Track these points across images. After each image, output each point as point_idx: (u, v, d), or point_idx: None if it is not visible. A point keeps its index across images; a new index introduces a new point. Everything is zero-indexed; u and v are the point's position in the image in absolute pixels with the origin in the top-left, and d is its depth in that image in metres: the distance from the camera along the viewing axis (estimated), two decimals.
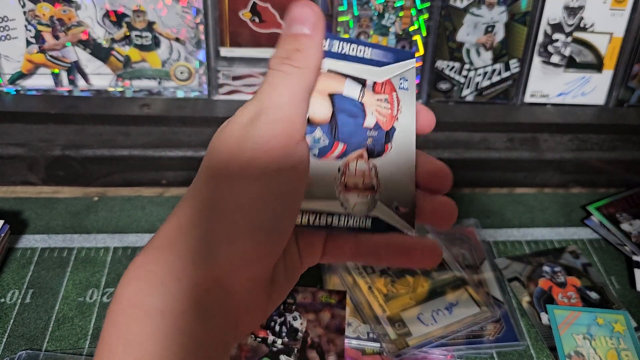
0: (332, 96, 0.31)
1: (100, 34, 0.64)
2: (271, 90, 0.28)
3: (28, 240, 0.58)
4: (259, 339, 0.47)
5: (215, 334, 0.27)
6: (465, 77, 0.69)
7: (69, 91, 0.66)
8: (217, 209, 0.27)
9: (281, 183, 0.28)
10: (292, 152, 0.28)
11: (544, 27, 0.67)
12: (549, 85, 0.70)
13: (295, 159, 0.28)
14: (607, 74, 0.70)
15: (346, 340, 0.49)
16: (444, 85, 0.69)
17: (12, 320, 0.49)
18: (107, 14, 0.63)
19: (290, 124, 0.28)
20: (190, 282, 0.26)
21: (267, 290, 0.30)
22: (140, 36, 0.64)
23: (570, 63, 0.69)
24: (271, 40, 0.65)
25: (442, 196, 0.33)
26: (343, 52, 0.31)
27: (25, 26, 0.63)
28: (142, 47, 0.65)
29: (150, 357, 0.24)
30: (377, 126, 0.32)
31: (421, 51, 0.67)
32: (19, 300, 0.51)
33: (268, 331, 0.48)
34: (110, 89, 0.67)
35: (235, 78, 0.67)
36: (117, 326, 0.25)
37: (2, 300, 0.51)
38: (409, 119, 0.32)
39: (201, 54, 0.66)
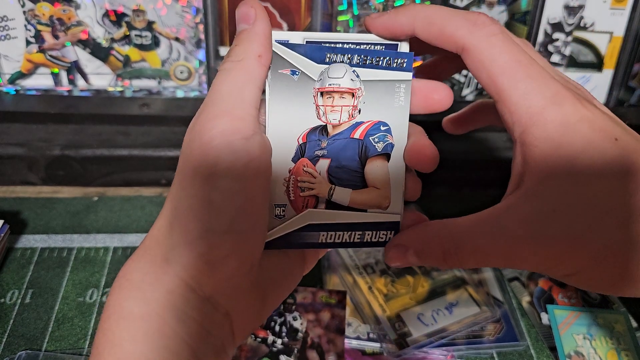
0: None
1: (99, 33, 0.64)
2: (211, 90, 0.28)
3: (28, 240, 0.58)
4: (259, 339, 0.47)
5: (202, 335, 0.27)
6: (466, 76, 0.69)
7: (69, 91, 0.66)
8: (177, 215, 0.28)
9: (232, 182, 0.27)
10: (240, 147, 0.27)
11: (544, 26, 0.67)
12: None
13: (245, 154, 0.27)
14: (608, 73, 0.69)
15: (346, 340, 0.49)
16: None
17: (11, 320, 0.49)
18: (106, 14, 0.63)
19: (232, 117, 0.27)
20: (162, 287, 0.27)
21: (255, 292, 0.30)
22: (140, 36, 0.64)
23: (571, 62, 0.69)
24: None
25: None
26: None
27: (25, 26, 0.63)
28: (141, 47, 0.65)
29: (133, 357, 0.25)
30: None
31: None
32: (19, 301, 0.51)
33: (268, 331, 0.48)
34: (110, 89, 0.67)
35: None
36: (104, 331, 0.26)
37: (2, 300, 0.51)
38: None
39: (201, 54, 0.66)
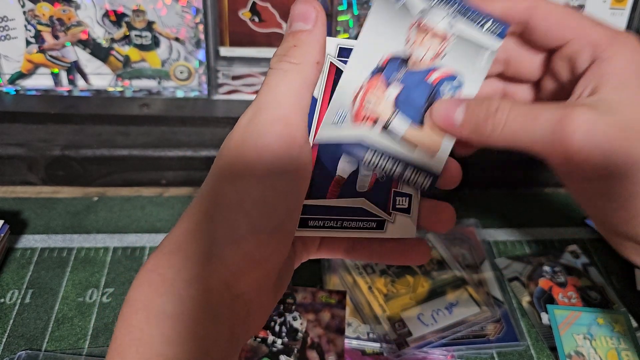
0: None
1: (99, 33, 0.64)
2: (268, 89, 0.28)
3: (28, 240, 0.58)
4: (259, 339, 0.47)
5: (228, 335, 0.27)
6: None
7: (69, 91, 0.66)
8: (221, 210, 0.27)
9: (287, 183, 0.27)
10: (295, 154, 0.28)
11: None
12: None
13: (299, 162, 0.28)
14: None
15: (346, 340, 0.49)
16: None
17: (11, 321, 0.49)
18: (106, 14, 0.63)
19: (289, 124, 0.28)
20: (200, 286, 0.26)
21: (273, 288, 0.30)
22: (140, 36, 0.64)
23: None
24: (271, 40, 0.65)
25: (441, 201, 0.34)
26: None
27: (25, 26, 0.63)
28: (141, 47, 0.65)
29: (162, 358, 0.24)
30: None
31: None
32: (19, 301, 0.51)
33: (268, 331, 0.48)
34: (110, 89, 0.67)
35: (234, 78, 0.67)
36: (130, 328, 0.25)
37: (2, 300, 0.51)
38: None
39: (201, 54, 0.66)
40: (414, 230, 0.33)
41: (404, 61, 0.32)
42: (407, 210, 0.33)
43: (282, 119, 0.28)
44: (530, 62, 0.34)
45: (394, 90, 0.32)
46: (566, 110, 0.28)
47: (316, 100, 0.31)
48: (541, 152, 0.29)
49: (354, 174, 0.32)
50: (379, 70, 0.31)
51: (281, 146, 0.27)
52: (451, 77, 0.32)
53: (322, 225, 0.32)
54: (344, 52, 0.31)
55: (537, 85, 0.36)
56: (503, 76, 0.36)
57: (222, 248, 0.26)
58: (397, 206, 0.33)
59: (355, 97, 0.31)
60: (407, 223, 0.33)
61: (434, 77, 0.32)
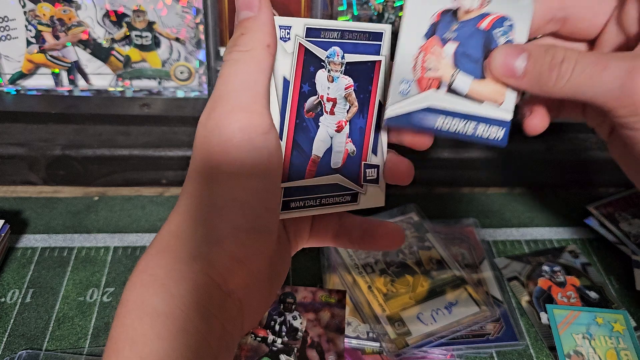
0: None
1: (100, 34, 0.64)
2: (222, 81, 0.28)
3: (28, 240, 0.58)
4: (259, 339, 0.47)
5: (220, 332, 0.27)
6: None
7: (69, 91, 0.66)
8: (200, 211, 0.27)
9: (258, 180, 0.27)
10: (260, 143, 0.27)
11: None
12: None
13: (266, 151, 0.27)
14: None
15: (346, 340, 0.49)
16: None
17: (12, 320, 0.49)
18: (107, 14, 0.63)
19: (248, 111, 0.27)
20: (190, 284, 0.26)
21: (267, 284, 0.30)
22: (141, 36, 0.64)
23: None
24: None
25: (401, 156, 0.34)
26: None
27: (26, 26, 0.63)
28: (142, 47, 0.65)
29: (156, 356, 0.24)
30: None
31: None
32: (19, 300, 0.51)
33: (268, 331, 0.48)
34: (111, 89, 0.67)
35: None
36: (124, 327, 0.25)
37: (3, 299, 0.51)
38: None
39: (201, 54, 0.66)
40: (383, 199, 0.34)
41: (454, 13, 0.31)
42: (375, 181, 0.34)
43: (240, 107, 0.27)
44: (593, 17, 0.32)
45: (450, 48, 0.31)
46: (636, 62, 0.27)
47: (289, 82, 0.30)
48: (605, 105, 0.29)
49: (328, 151, 0.33)
50: (433, 28, 0.31)
51: (244, 136, 0.27)
52: (501, 19, 0.32)
53: (302, 205, 0.32)
54: (312, 32, 0.31)
55: (591, 44, 0.35)
56: (557, 35, 0.34)
57: (207, 249, 0.27)
58: (367, 178, 0.34)
59: (415, 64, 0.31)
60: (377, 192, 0.34)
61: (485, 23, 0.32)
